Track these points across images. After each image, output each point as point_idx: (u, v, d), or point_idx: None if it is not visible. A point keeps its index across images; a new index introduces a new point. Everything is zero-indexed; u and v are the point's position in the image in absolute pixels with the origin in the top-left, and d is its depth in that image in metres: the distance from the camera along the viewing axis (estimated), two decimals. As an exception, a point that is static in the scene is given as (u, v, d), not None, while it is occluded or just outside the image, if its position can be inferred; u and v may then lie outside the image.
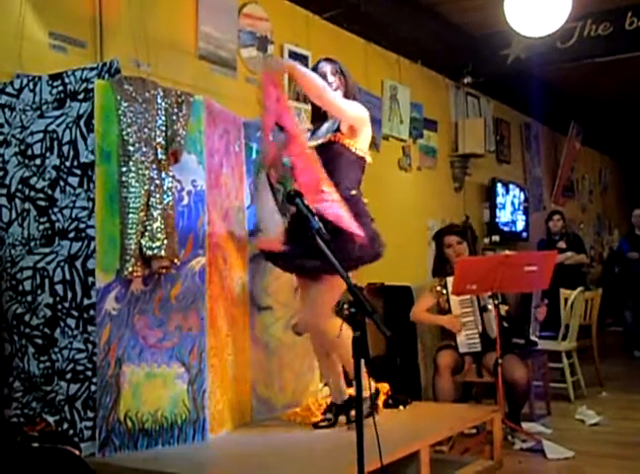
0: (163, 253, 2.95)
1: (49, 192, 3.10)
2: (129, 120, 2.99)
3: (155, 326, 3.06)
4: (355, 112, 3.24)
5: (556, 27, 5.37)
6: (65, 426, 3.00)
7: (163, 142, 3.06)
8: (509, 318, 4.56)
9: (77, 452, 2.69)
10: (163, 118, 3.08)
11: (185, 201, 3.15)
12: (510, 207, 8.35)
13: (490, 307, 4.40)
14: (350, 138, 3.23)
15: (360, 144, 3.27)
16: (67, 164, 3.07)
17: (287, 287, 3.76)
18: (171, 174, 3.08)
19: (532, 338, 4.62)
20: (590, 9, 6.46)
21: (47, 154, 3.11)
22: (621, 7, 6.51)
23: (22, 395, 3.11)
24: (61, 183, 3.07)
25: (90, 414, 2.98)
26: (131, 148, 2.97)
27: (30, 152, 3.15)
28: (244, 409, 3.51)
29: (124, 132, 2.99)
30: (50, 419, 2.99)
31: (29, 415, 3.06)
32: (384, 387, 3.80)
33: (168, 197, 3.03)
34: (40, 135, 3.13)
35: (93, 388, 2.97)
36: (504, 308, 4.55)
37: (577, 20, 6.50)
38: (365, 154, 3.30)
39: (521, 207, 8.63)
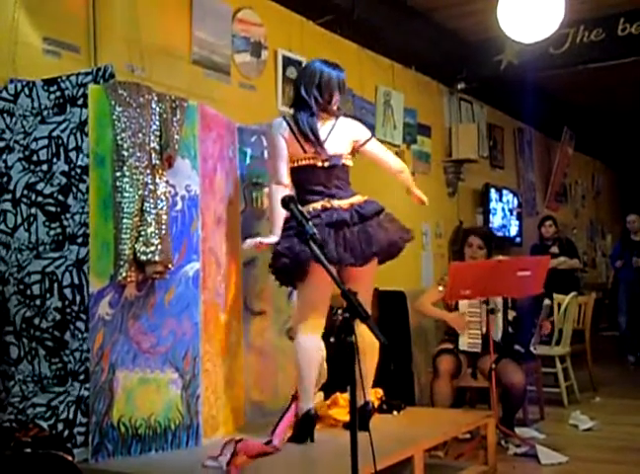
0: (157, 258, 2.95)
1: (61, 197, 3.10)
2: (124, 125, 2.99)
3: (149, 331, 3.06)
4: (270, 175, 3.34)
5: (549, 33, 5.39)
6: (60, 427, 3.00)
7: (157, 147, 3.06)
8: (515, 324, 4.56)
9: (70, 458, 2.69)
10: (157, 122, 3.08)
11: (179, 206, 3.15)
12: (502, 213, 8.38)
13: (498, 310, 4.41)
14: None
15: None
16: (78, 170, 3.07)
17: (281, 292, 3.75)
18: (165, 179, 3.08)
19: (531, 348, 4.64)
20: (582, 15, 6.49)
21: (54, 160, 3.12)
22: (614, 13, 6.55)
23: (19, 401, 3.09)
24: (73, 189, 3.08)
25: (83, 419, 2.97)
26: (125, 153, 2.97)
27: (35, 158, 3.15)
28: (238, 414, 3.50)
29: (119, 137, 2.99)
30: (44, 424, 2.98)
31: (22, 420, 3.05)
32: (378, 392, 3.79)
33: (162, 202, 3.02)
34: (45, 141, 3.13)
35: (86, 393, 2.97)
36: (512, 314, 4.55)
37: (570, 26, 6.53)
38: (293, 163, 3.31)
39: (515, 213, 8.66)
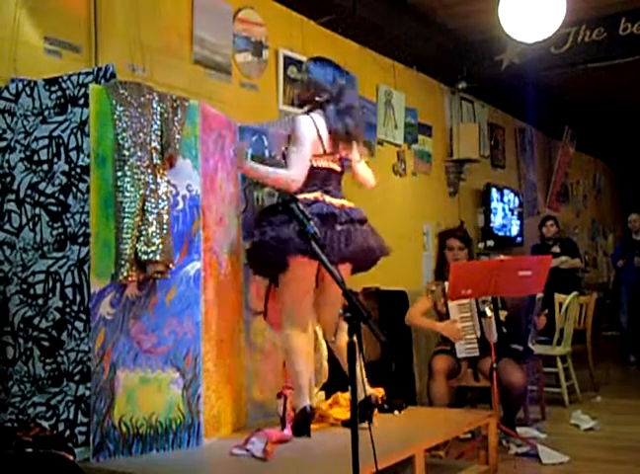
0: (158, 257, 2.95)
1: (62, 197, 3.10)
2: (125, 125, 2.99)
3: (150, 331, 3.06)
4: (291, 167, 3.28)
5: (550, 32, 5.39)
6: (61, 427, 3.00)
7: (158, 147, 3.06)
8: (507, 323, 4.56)
9: (71, 458, 2.69)
10: (158, 122, 3.08)
11: (180, 206, 3.15)
12: (503, 212, 8.38)
13: (488, 312, 4.40)
14: None
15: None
16: (78, 170, 3.08)
17: (282, 292, 3.75)
18: (166, 178, 3.08)
19: (529, 345, 4.64)
20: (584, 15, 6.49)
21: (55, 160, 3.12)
22: (615, 13, 6.54)
23: (19, 400, 3.09)
24: (73, 189, 3.08)
25: (84, 419, 2.97)
26: (127, 153, 2.97)
27: (36, 158, 3.15)
28: (239, 414, 3.50)
29: (120, 137, 2.99)
30: (45, 423, 2.98)
31: (23, 420, 3.05)
32: (380, 392, 3.80)
33: (163, 201, 3.02)
34: (46, 141, 3.14)
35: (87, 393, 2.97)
36: (503, 314, 4.55)
37: (571, 25, 6.53)
38: (310, 161, 3.34)
39: (516, 212, 8.66)
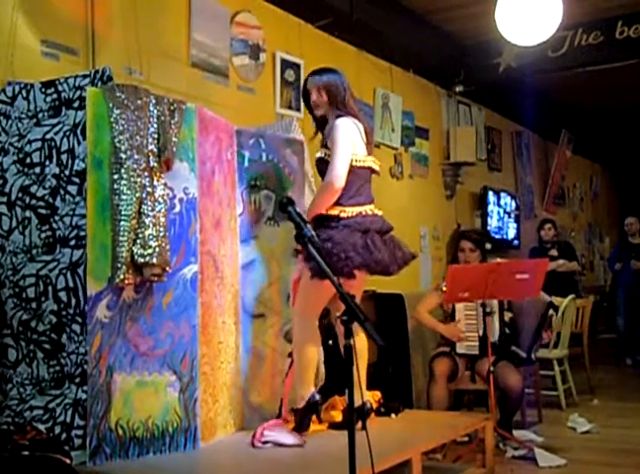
0: (155, 260, 2.95)
1: (50, 200, 3.10)
2: (121, 128, 2.99)
3: (147, 334, 3.05)
4: (338, 163, 3.27)
5: (547, 36, 5.40)
6: (57, 430, 2.99)
7: (155, 150, 3.06)
8: (511, 325, 4.58)
9: (68, 461, 2.68)
10: (155, 125, 3.08)
11: (177, 209, 3.15)
12: (500, 215, 8.39)
13: (494, 312, 4.42)
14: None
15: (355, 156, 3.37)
16: (67, 172, 3.07)
17: (280, 295, 3.75)
18: (163, 181, 3.07)
19: (532, 356, 4.67)
20: (580, 18, 6.51)
21: (47, 162, 3.12)
22: (612, 17, 6.57)
23: (17, 403, 3.09)
24: (61, 191, 3.08)
25: (81, 422, 2.97)
26: (123, 156, 2.97)
27: (29, 160, 3.15)
28: (236, 417, 3.50)
29: (116, 140, 2.98)
30: (41, 426, 2.98)
31: (19, 423, 3.04)
32: (376, 395, 3.79)
33: (160, 204, 3.02)
34: (39, 144, 3.13)
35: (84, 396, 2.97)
36: (508, 315, 4.57)
37: (568, 29, 6.55)
38: (358, 162, 3.37)
39: (513, 215, 8.67)
